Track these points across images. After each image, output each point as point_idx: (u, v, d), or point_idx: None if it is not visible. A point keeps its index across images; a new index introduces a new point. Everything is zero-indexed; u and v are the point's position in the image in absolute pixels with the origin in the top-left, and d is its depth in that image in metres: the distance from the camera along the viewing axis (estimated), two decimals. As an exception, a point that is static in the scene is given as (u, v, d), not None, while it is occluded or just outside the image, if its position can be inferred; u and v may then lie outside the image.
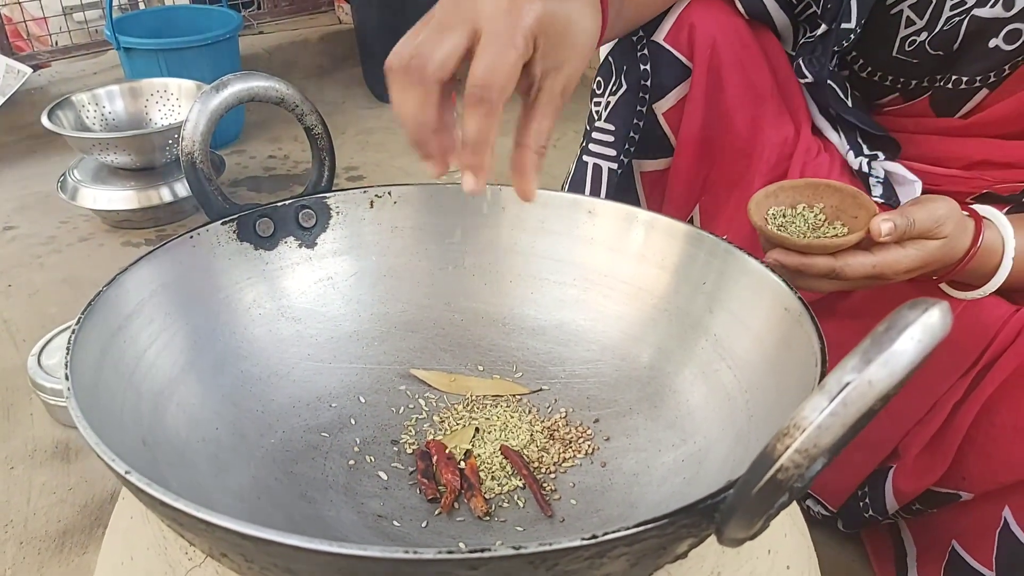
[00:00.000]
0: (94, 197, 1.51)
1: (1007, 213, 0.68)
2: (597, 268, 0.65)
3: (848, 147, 0.81)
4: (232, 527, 0.32)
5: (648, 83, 0.81)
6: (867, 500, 0.79)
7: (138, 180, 1.52)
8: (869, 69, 0.81)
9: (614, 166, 0.84)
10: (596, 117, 0.85)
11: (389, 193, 0.67)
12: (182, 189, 1.55)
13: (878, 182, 0.80)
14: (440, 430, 0.60)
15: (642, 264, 0.63)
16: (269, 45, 2.26)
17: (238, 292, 0.61)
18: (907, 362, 0.28)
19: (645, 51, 0.80)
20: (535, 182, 0.50)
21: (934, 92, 0.78)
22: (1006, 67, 0.72)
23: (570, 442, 0.59)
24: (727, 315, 0.56)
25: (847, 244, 0.61)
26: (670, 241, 0.61)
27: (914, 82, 0.79)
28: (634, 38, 0.81)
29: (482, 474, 0.56)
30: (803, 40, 0.81)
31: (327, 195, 0.65)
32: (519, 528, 0.52)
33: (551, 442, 0.59)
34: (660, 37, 0.79)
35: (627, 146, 0.83)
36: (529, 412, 0.62)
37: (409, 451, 0.58)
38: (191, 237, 0.58)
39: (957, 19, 0.72)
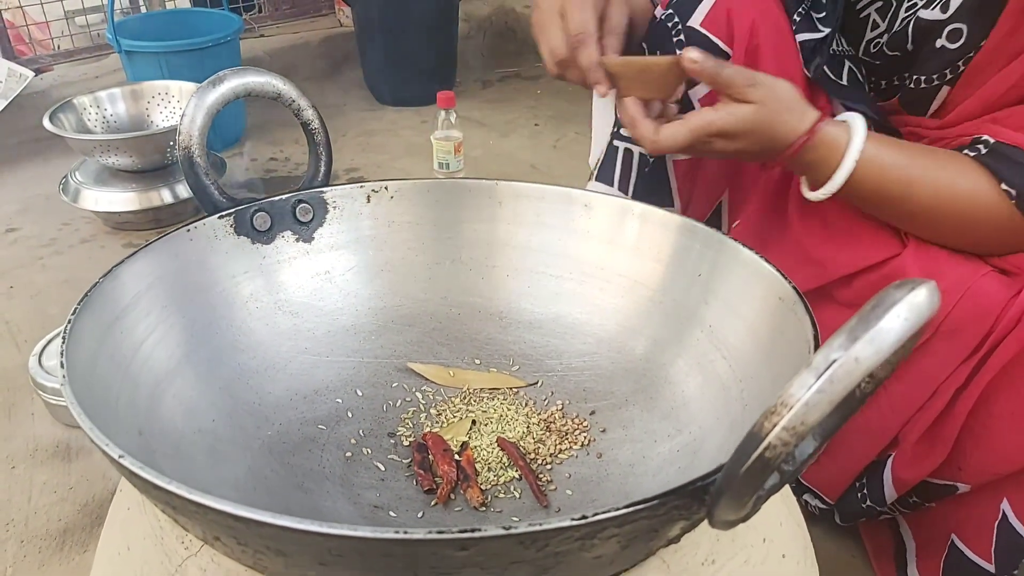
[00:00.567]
0: (96, 199, 1.52)
1: None
2: (593, 261, 0.66)
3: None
4: (224, 509, 0.32)
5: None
6: (865, 490, 0.78)
7: (139, 182, 1.53)
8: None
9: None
10: None
11: (386, 188, 0.67)
12: (183, 191, 1.55)
13: None
14: (437, 423, 0.60)
15: (638, 257, 0.63)
16: (270, 48, 2.27)
17: (235, 285, 0.61)
18: (893, 339, 0.28)
19: (681, 36, 0.80)
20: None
21: (902, 92, 0.79)
22: (959, 63, 0.73)
23: (566, 434, 0.59)
24: (721, 305, 0.57)
25: (657, 65, 0.68)
26: (665, 233, 0.62)
27: (884, 82, 0.80)
28: (669, 23, 0.81)
29: (478, 465, 0.56)
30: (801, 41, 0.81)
31: (324, 190, 0.65)
32: (515, 518, 0.52)
33: (547, 434, 0.59)
34: (696, 22, 0.79)
35: None
36: (526, 405, 0.62)
37: (406, 443, 0.58)
38: (188, 231, 0.58)
39: (907, 21, 0.74)
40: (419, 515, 0.52)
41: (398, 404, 0.62)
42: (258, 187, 1.78)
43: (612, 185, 0.85)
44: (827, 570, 0.56)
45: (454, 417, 0.61)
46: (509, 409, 0.61)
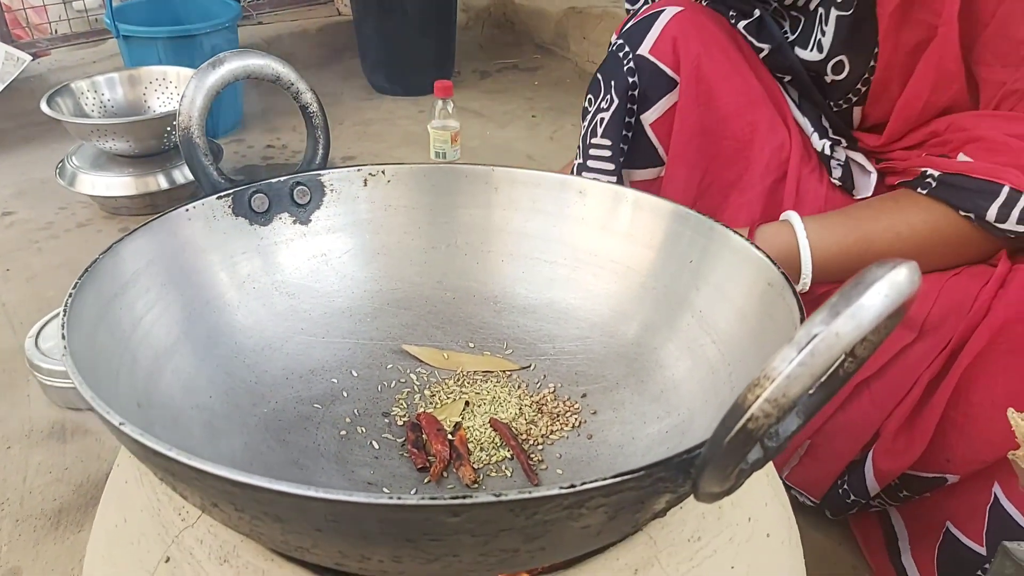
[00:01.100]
0: (92, 183, 1.52)
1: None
2: (587, 247, 0.67)
3: (812, 129, 0.85)
4: (224, 474, 0.33)
5: (635, 94, 0.84)
6: (847, 486, 0.80)
7: (136, 167, 1.53)
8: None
9: (613, 180, 0.86)
10: (592, 133, 0.87)
11: (383, 172, 0.68)
12: (180, 176, 1.56)
13: (838, 165, 0.84)
14: (431, 404, 0.61)
15: (630, 243, 0.64)
16: (268, 35, 2.27)
17: (233, 265, 0.62)
18: (874, 315, 0.29)
19: (631, 64, 0.84)
20: None
21: (825, 108, 0.85)
22: (858, 87, 0.79)
23: (558, 415, 0.60)
24: (711, 290, 0.58)
25: None
26: (657, 220, 0.62)
27: (816, 93, 0.85)
28: (620, 53, 0.85)
29: (471, 445, 0.57)
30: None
31: (322, 173, 0.66)
32: (506, 495, 0.53)
33: (539, 415, 0.60)
34: (645, 50, 0.83)
35: (622, 158, 0.86)
36: (519, 387, 0.63)
37: (400, 423, 0.59)
38: (187, 210, 0.59)
39: (793, 56, 0.81)
40: (412, 491, 0.53)
41: (393, 385, 0.63)
42: (257, 173, 1.78)
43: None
44: (814, 559, 0.57)
45: (448, 398, 0.62)
46: (502, 391, 0.62)
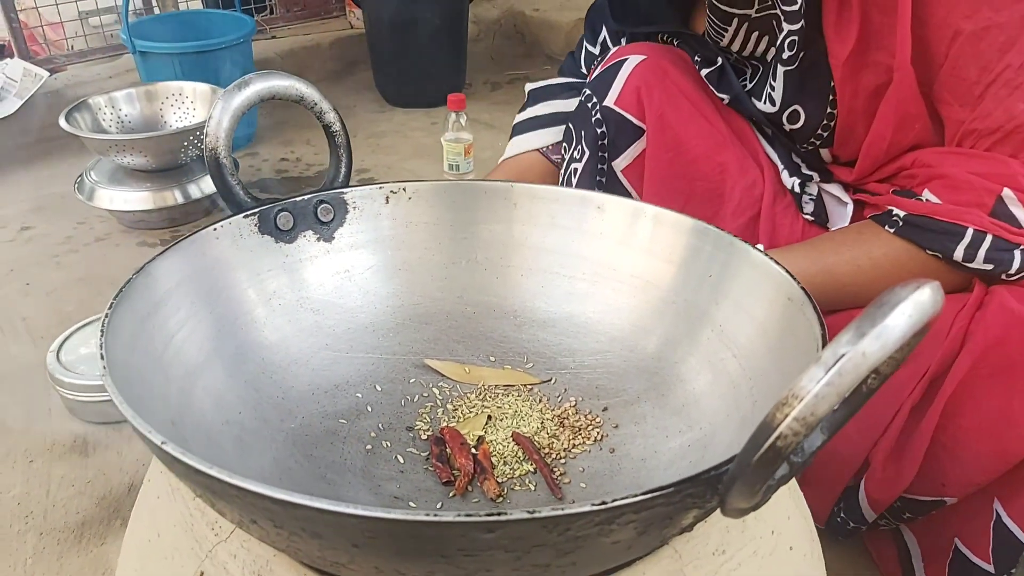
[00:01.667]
0: (110, 198, 1.54)
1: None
2: (606, 262, 0.67)
3: (783, 166, 0.87)
4: (266, 492, 0.34)
5: (605, 143, 0.87)
6: (843, 514, 0.80)
7: (153, 181, 1.55)
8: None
9: None
10: (568, 183, 0.92)
11: (404, 189, 0.69)
12: (196, 190, 1.57)
13: (810, 200, 0.86)
14: (454, 418, 0.62)
15: (650, 258, 0.65)
16: (281, 50, 2.29)
17: (260, 283, 0.63)
18: (899, 336, 0.30)
19: (598, 115, 0.87)
20: None
21: (794, 147, 0.86)
22: (820, 131, 0.80)
23: (580, 429, 0.60)
24: (731, 305, 0.58)
25: None
26: (677, 235, 0.63)
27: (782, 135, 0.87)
28: (588, 104, 0.88)
29: (494, 459, 0.58)
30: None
31: (344, 191, 0.67)
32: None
33: (561, 429, 0.61)
34: (611, 102, 0.86)
35: None
36: (540, 401, 0.64)
37: (424, 437, 0.60)
38: (214, 229, 0.60)
39: (751, 105, 0.83)
40: (438, 505, 0.54)
41: (416, 399, 0.64)
42: (271, 187, 1.80)
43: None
44: (832, 574, 0.57)
45: (470, 412, 0.63)
46: (524, 405, 0.63)
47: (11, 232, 1.60)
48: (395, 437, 0.60)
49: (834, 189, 0.85)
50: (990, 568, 0.73)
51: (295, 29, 2.44)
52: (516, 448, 0.59)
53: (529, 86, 1.09)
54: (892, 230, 0.73)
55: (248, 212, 0.63)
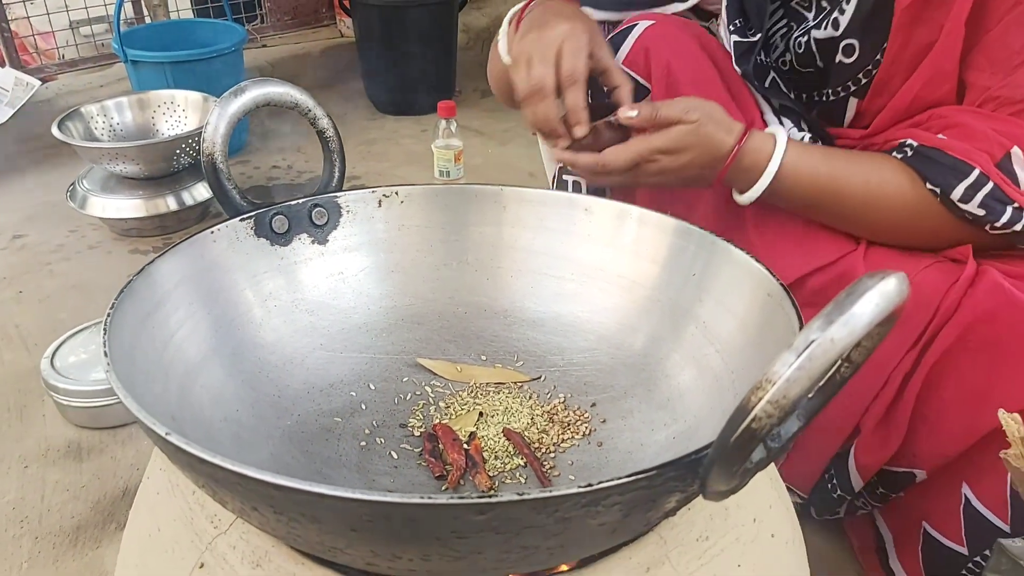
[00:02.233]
0: (102, 206, 1.55)
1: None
2: (593, 263, 0.69)
3: (791, 127, 0.87)
4: (268, 479, 0.35)
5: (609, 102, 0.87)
6: (834, 480, 0.83)
7: (145, 189, 1.56)
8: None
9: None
10: None
11: (396, 193, 0.71)
12: (188, 197, 1.59)
13: None
14: (446, 415, 0.64)
15: (635, 258, 0.67)
16: (272, 58, 2.31)
17: (256, 284, 0.64)
18: (865, 322, 0.32)
19: None
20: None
21: (819, 106, 0.87)
22: (859, 77, 0.80)
23: (568, 424, 0.62)
24: (714, 302, 0.60)
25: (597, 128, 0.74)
26: (661, 236, 0.65)
27: (804, 95, 0.87)
28: None
29: (486, 454, 0.60)
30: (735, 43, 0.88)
31: (338, 194, 0.69)
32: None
33: (551, 425, 0.62)
34: (619, 61, 0.86)
35: None
36: (530, 398, 0.65)
37: (417, 434, 0.62)
38: (212, 232, 0.62)
39: (804, 41, 0.83)
40: (431, 498, 0.55)
41: (409, 397, 0.65)
42: (263, 194, 1.82)
43: None
44: (813, 560, 0.59)
45: (462, 409, 0.64)
46: (514, 402, 0.65)
47: (4, 240, 1.61)
48: (389, 434, 0.61)
49: None
50: (964, 551, 0.75)
51: (286, 38, 2.46)
52: (507, 443, 0.61)
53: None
54: (900, 157, 0.74)
55: (244, 216, 0.64)
